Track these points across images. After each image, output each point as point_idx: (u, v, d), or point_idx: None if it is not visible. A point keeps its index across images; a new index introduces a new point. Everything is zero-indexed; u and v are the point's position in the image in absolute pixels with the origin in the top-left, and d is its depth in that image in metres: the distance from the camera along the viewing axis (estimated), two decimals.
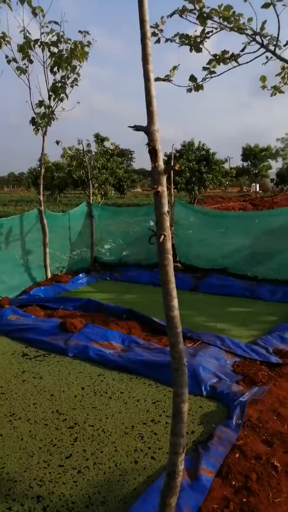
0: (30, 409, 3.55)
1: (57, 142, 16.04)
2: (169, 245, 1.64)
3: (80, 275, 8.61)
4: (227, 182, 39.25)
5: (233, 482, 2.52)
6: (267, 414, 3.28)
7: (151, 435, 3.13)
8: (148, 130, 1.54)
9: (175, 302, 1.70)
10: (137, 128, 1.57)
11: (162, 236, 1.62)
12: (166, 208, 1.63)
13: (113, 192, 32.69)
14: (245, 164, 43.22)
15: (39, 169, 7.98)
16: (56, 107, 7.23)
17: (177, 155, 25.58)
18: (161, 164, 1.58)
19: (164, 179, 1.61)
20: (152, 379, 4.02)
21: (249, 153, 40.99)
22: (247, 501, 2.35)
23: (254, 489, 2.43)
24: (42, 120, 7.14)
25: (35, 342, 5.00)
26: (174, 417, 1.74)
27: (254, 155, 40.72)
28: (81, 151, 16.58)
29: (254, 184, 48.51)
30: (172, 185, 9.43)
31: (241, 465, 2.67)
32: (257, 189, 49.72)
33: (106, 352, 4.55)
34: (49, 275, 8.21)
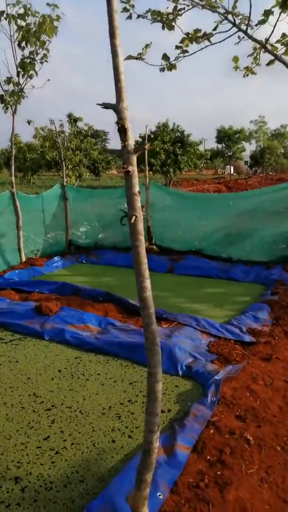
0: (7, 393, 3.53)
1: (29, 122, 15.55)
2: (140, 226, 1.63)
3: (55, 258, 8.52)
4: (202, 165, 39.30)
5: (208, 457, 2.60)
6: (241, 391, 3.37)
7: (128, 414, 3.18)
8: (116, 107, 1.50)
9: (148, 283, 1.70)
10: (105, 105, 1.53)
11: (134, 217, 1.60)
12: (137, 188, 1.61)
13: (88, 174, 32.21)
14: (219, 146, 43.23)
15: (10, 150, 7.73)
16: (25, 84, 6.99)
17: (152, 136, 25.36)
18: (131, 143, 1.55)
19: (134, 159, 1.58)
20: (129, 360, 4.06)
21: (224, 135, 40.93)
22: (221, 474, 2.43)
23: (227, 462, 2.51)
24: (11, 98, 6.90)
25: (11, 326, 4.94)
26: (148, 396, 1.76)
27: (228, 137, 40.69)
28: (54, 132, 16.20)
29: (229, 166, 48.75)
30: (147, 167, 9.35)
31: (216, 440, 2.75)
32: (232, 172, 50.04)
33: (83, 334, 4.55)
34: (24, 259, 8.09)
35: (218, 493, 2.27)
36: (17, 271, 7.39)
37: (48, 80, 7.18)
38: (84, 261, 8.73)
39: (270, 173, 52.36)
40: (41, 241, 8.89)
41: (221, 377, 3.45)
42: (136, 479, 1.82)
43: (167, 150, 24.91)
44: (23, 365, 4.04)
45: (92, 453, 2.74)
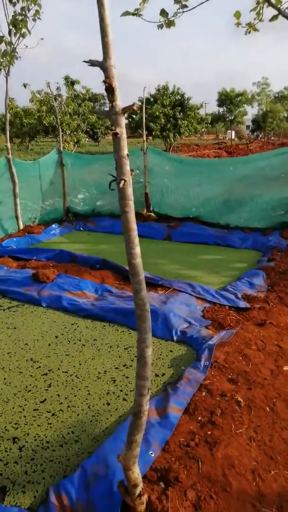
0: (5, 358, 3.60)
1: (25, 86, 15.05)
2: (129, 191, 1.59)
3: (53, 225, 8.48)
4: (202, 129, 38.38)
5: (199, 418, 2.68)
6: (234, 355, 3.43)
7: (123, 378, 3.25)
8: (103, 65, 1.43)
9: (137, 250, 1.67)
10: (92, 63, 1.46)
11: (122, 182, 1.56)
12: (125, 151, 1.55)
13: (87, 139, 31.50)
14: (220, 110, 41.90)
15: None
16: (18, 44, 6.70)
17: (151, 100, 24.65)
18: (118, 103, 1.49)
19: (122, 120, 1.52)
20: (125, 326, 4.11)
21: (225, 98, 39.55)
22: (211, 433, 2.51)
23: (218, 423, 2.59)
24: (4, 58, 6.63)
25: (8, 293, 4.98)
26: (138, 361, 1.78)
27: (230, 100, 39.34)
28: (51, 95, 15.71)
29: (230, 131, 47.58)
30: (144, 131, 9.12)
31: (207, 402, 2.82)
32: (233, 137, 48.93)
33: (80, 301, 4.59)
34: (21, 226, 8.05)
35: (208, 451, 2.35)
36: (15, 239, 7.38)
37: (42, 39, 6.87)
38: (82, 229, 8.69)
39: (272, 138, 51.16)
40: (39, 209, 8.81)
41: (214, 342, 3.51)
42: (127, 440, 1.88)
43: (167, 114, 24.29)
44: (21, 331, 4.10)
45: (87, 415, 2.83)
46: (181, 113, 24.86)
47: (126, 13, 4.45)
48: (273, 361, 3.34)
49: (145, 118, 23.80)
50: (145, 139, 8.75)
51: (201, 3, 4.76)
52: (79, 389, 3.12)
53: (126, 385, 3.16)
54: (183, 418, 2.69)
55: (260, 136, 49.99)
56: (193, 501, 2.03)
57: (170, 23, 4.98)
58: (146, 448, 2.38)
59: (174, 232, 7.67)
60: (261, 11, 4.95)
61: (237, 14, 4.91)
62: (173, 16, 4.95)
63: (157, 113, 24.01)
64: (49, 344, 3.82)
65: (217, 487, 2.11)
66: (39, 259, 6.24)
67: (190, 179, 8.33)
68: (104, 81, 1.46)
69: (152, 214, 8.60)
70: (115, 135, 1.53)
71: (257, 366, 3.26)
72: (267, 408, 2.74)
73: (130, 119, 40.09)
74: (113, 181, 1.64)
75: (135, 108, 1.53)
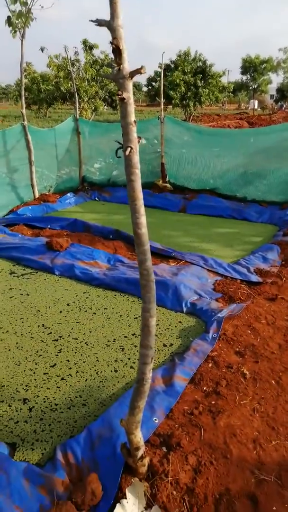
0: (17, 323, 3.70)
1: (42, 49, 14.69)
2: (136, 158, 1.56)
3: (68, 194, 8.47)
4: (224, 98, 37.07)
5: (204, 388, 2.72)
6: (242, 328, 3.44)
7: (132, 347, 3.31)
8: (111, 25, 1.37)
9: (143, 220, 1.66)
10: (99, 22, 1.40)
11: (129, 149, 1.53)
12: (133, 117, 1.51)
13: (105, 107, 30.92)
14: (244, 78, 40.17)
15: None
16: (33, 3, 6.49)
17: (172, 66, 23.85)
18: (126, 66, 1.43)
19: (130, 84, 1.47)
20: (135, 296, 4.15)
21: (249, 66, 37.83)
22: (215, 403, 2.55)
23: (222, 393, 2.63)
24: (19, 20, 6.45)
25: (22, 260, 5.05)
26: (142, 330, 1.80)
27: (254, 68, 37.60)
28: (68, 60, 15.34)
29: (253, 100, 45.85)
30: (162, 99, 8.87)
31: (213, 373, 2.86)
32: (256, 107, 47.23)
33: (92, 270, 4.63)
34: (37, 195, 8.06)
35: (211, 420, 2.40)
36: (30, 207, 7.42)
37: None
38: (96, 198, 8.66)
39: None
40: (54, 177, 8.78)
41: (224, 315, 3.51)
42: (130, 405, 1.93)
43: (187, 81, 23.51)
44: (33, 298, 4.18)
45: (95, 380, 2.90)
46: (202, 81, 24.01)
47: None
48: (282, 335, 3.34)
49: (165, 85, 23.11)
50: (162, 107, 8.53)
51: None
52: (88, 356, 3.19)
53: (134, 353, 3.22)
54: (188, 388, 2.74)
55: (285, 106, 48.12)
56: (194, 465, 2.09)
57: None
58: (150, 415, 2.44)
59: (190, 204, 7.58)
60: None
61: None
62: None
63: (178, 81, 23.27)
64: (61, 311, 3.90)
65: (217, 453, 2.17)
66: (53, 228, 6.28)
67: (208, 150, 8.13)
68: (111, 42, 1.40)
69: (168, 185, 8.48)
70: (122, 100, 1.48)
71: (265, 340, 3.27)
72: (273, 381, 2.76)
73: (149, 87, 38.98)
74: (120, 148, 1.60)
75: (142, 71, 1.47)
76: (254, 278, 4.37)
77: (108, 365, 3.07)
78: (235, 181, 7.82)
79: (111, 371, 3.00)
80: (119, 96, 1.46)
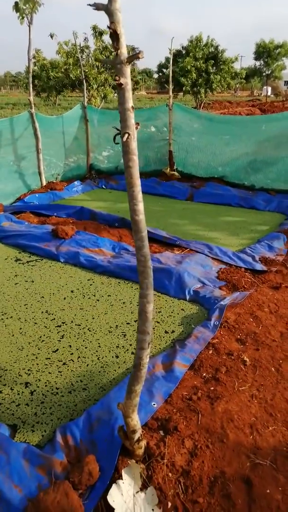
0: (21, 309, 3.75)
1: (51, 36, 14.57)
2: (133, 145, 1.56)
3: (76, 182, 8.46)
4: (236, 85, 36.42)
5: (204, 374, 2.75)
6: (245, 316, 3.45)
7: (133, 333, 3.34)
8: (108, 8, 1.36)
9: (141, 206, 1.67)
10: (96, 6, 1.38)
11: (126, 135, 1.53)
12: (130, 103, 1.51)
13: (115, 95, 30.62)
14: (257, 63, 39.31)
15: (33, 66, 7.30)
16: None
17: (183, 52, 23.47)
18: (124, 51, 1.42)
19: (128, 70, 1.46)
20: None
21: (263, 50, 36.95)
22: (214, 389, 2.58)
23: (222, 380, 2.65)
24: (26, 5, 6.39)
25: (28, 247, 5.10)
26: (140, 316, 1.82)
27: (268, 53, 36.73)
28: (78, 46, 15.18)
29: (266, 87, 44.96)
30: (170, 86, 8.77)
31: (213, 360, 2.88)
32: (269, 93, 46.35)
33: (96, 258, 4.66)
34: (44, 182, 8.08)
35: (209, 405, 2.43)
36: (37, 195, 7.44)
37: None
38: (104, 186, 8.65)
39: None
40: (62, 165, 8.78)
41: (226, 303, 3.52)
42: (127, 389, 1.96)
43: (198, 68, 23.12)
44: (38, 284, 4.22)
45: (96, 366, 2.95)
46: (214, 67, 23.60)
47: None
48: (284, 324, 3.34)
49: (176, 72, 22.77)
50: (171, 94, 8.43)
51: None
52: (90, 342, 3.23)
53: (136, 339, 3.24)
54: (188, 374, 2.77)
55: None
56: (190, 449, 2.13)
57: None
58: (149, 399, 2.48)
59: (197, 192, 7.53)
60: None
61: None
62: None
63: (189, 67, 22.90)
64: (64, 298, 3.94)
65: (214, 438, 2.20)
66: (60, 216, 6.30)
67: (218, 137, 8.03)
68: (109, 27, 1.39)
69: (176, 173, 8.43)
70: (120, 86, 1.48)
71: (267, 328, 3.27)
72: (272, 369, 2.77)
73: (160, 74, 38.39)
74: (118, 134, 1.61)
75: (140, 56, 1.46)
76: (259, 266, 4.35)
77: (109, 351, 3.11)
78: (244, 169, 7.74)
79: (112, 357, 3.04)
80: (117, 82, 1.46)
